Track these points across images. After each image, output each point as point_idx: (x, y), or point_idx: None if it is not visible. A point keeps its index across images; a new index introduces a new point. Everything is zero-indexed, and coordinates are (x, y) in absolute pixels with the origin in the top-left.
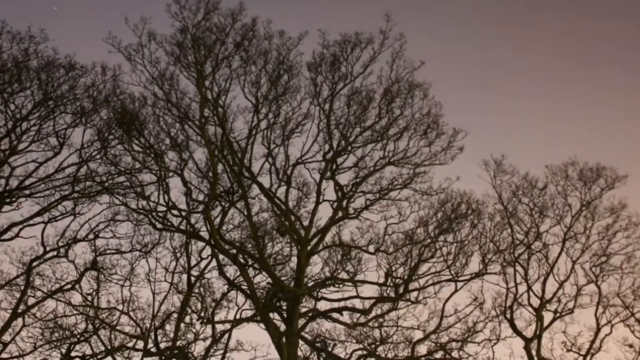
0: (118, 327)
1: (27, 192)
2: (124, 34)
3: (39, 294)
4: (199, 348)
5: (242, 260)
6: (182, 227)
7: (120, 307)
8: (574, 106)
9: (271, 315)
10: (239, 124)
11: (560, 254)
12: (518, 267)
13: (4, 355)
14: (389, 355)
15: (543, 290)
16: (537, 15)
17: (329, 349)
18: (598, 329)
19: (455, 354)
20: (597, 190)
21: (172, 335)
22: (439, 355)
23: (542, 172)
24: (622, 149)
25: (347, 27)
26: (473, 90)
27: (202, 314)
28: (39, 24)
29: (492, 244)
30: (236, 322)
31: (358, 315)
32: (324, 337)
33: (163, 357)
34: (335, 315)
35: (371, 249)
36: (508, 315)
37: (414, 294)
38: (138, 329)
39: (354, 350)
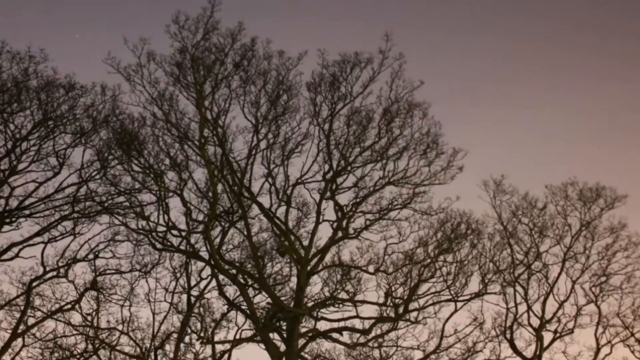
0: (118, 347)
1: (27, 212)
2: (123, 54)
3: (38, 314)
4: None
5: (241, 280)
6: (182, 247)
7: (120, 327)
8: (574, 125)
9: (271, 335)
10: (238, 144)
11: (560, 274)
12: (518, 287)
13: None
14: None
15: (543, 310)
16: (536, 31)
17: None
18: (598, 349)
19: None
20: (596, 210)
21: (172, 355)
22: None
23: (541, 192)
24: (621, 168)
25: (346, 47)
26: (472, 108)
27: (202, 334)
28: (38, 43)
29: (492, 264)
30: (236, 342)
31: (358, 335)
32: (324, 358)
33: None
34: (335, 335)
35: (371, 269)
36: (508, 336)
37: (414, 314)
38: (138, 349)
39: None
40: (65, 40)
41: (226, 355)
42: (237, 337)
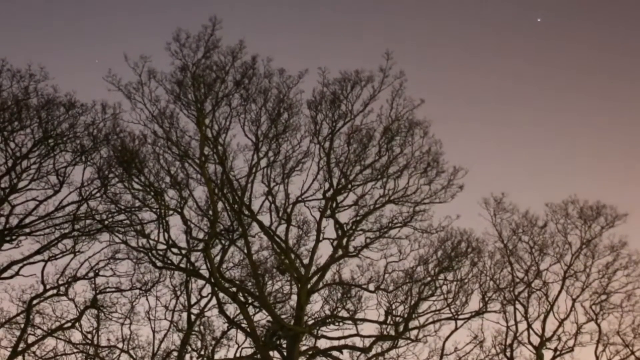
0: None
1: (27, 230)
2: (123, 72)
3: (39, 332)
4: None
5: (242, 299)
6: (182, 265)
7: (120, 345)
8: (574, 143)
9: (271, 353)
10: (239, 162)
11: (560, 292)
12: (518, 305)
13: None
14: None
15: (543, 329)
16: (535, 50)
17: None
18: None
19: None
20: (597, 228)
21: None
22: None
23: (542, 210)
24: (622, 186)
25: (347, 65)
26: (473, 126)
27: (202, 352)
28: (38, 61)
29: (492, 282)
30: None
31: (358, 353)
32: None
33: None
34: (335, 353)
35: (371, 287)
36: (508, 354)
37: (414, 332)
38: None
39: None
40: (65, 57)
41: None
42: (238, 355)
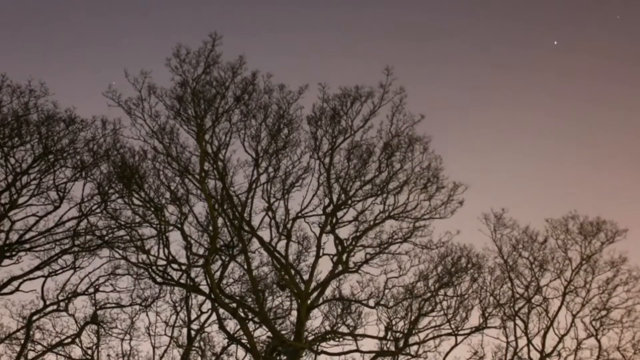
0: None
1: (27, 246)
2: (123, 88)
3: (39, 347)
4: None
5: (242, 314)
6: (182, 281)
7: None
8: (574, 159)
9: None
10: (239, 177)
11: (560, 307)
12: (518, 321)
13: None
14: None
15: (543, 344)
16: (533, 68)
17: None
18: None
19: None
20: (597, 244)
21: None
22: None
23: (542, 226)
24: (623, 202)
25: (347, 81)
26: (472, 142)
27: None
28: (38, 77)
29: (492, 297)
30: None
31: None
32: None
33: None
34: None
35: (371, 302)
36: None
37: (414, 347)
38: None
39: None
40: (66, 73)
41: None
42: None
